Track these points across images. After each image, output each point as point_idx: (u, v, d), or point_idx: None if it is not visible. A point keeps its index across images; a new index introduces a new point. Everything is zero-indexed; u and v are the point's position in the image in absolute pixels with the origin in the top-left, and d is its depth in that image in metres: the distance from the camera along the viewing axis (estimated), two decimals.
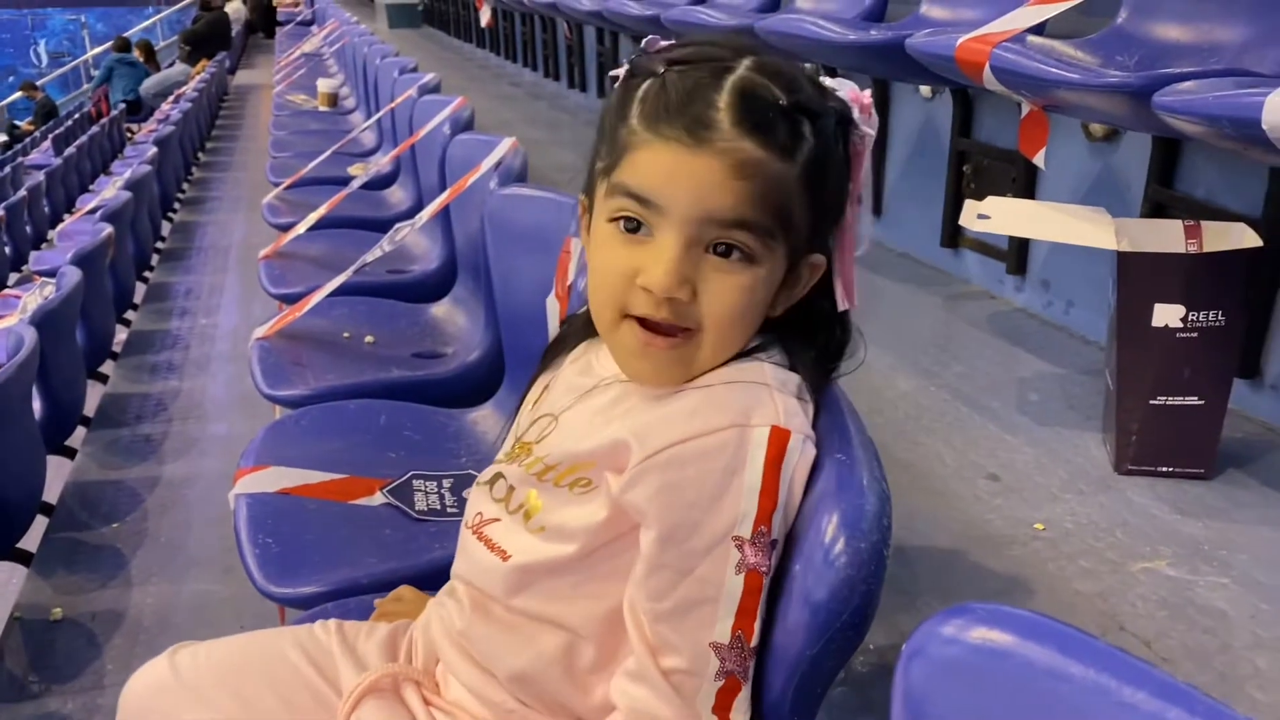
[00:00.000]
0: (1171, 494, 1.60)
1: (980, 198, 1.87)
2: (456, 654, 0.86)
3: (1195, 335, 1.55)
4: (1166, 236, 1.57)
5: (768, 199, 0.73)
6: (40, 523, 2.25)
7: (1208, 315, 1.55)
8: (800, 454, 0.75)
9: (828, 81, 0.79)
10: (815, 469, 0.79)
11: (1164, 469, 1.64)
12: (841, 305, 0.82)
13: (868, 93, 0.81)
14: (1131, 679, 0.52)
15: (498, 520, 0.86)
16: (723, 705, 0.74)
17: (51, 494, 2.35)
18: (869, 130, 0.79)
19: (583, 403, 0.84)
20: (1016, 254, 2.42)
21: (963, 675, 0.60)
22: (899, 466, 1.76)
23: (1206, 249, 1.55)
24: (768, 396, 0.76)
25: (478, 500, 0.89)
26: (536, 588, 0.82)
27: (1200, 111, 1.30)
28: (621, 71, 0.81)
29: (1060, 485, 1.66)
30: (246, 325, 3.32)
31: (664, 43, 0.81)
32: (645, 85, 0.77)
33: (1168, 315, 1.55)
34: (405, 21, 10.32)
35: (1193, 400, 1.58)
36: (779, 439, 0.74)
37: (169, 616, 1.90)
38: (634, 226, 0.76)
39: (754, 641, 0.74)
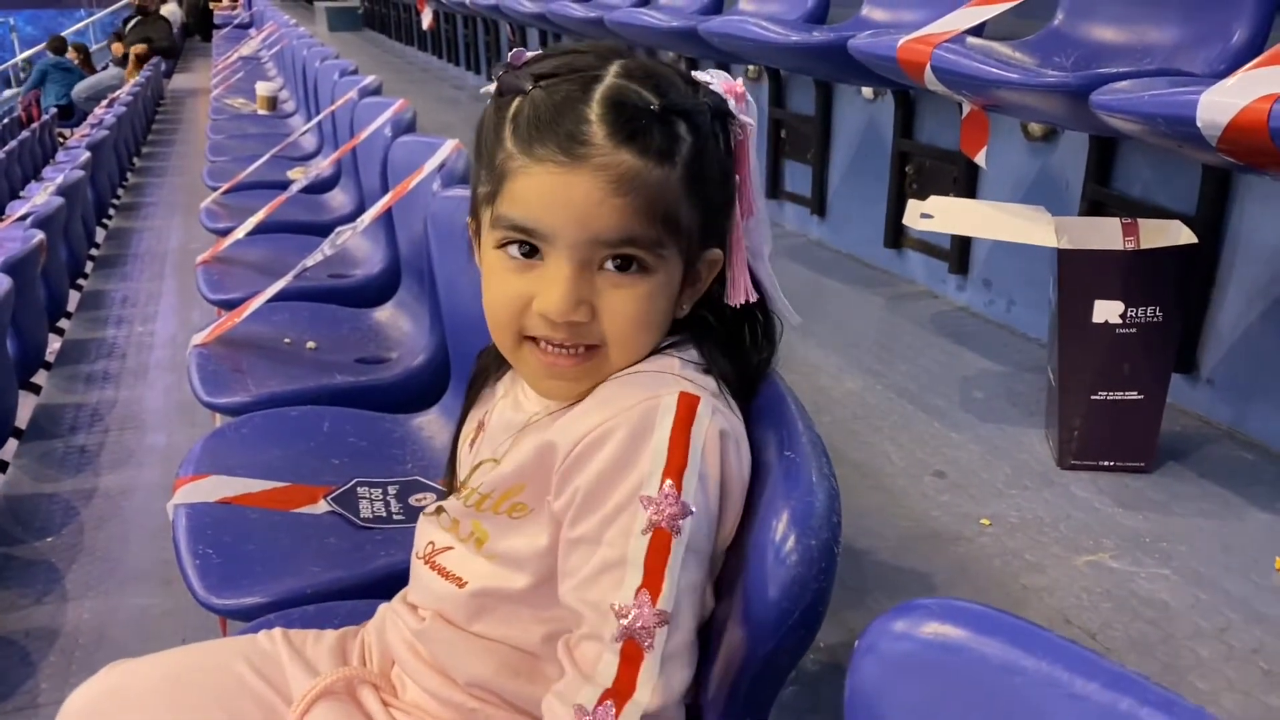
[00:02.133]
0: (1113, 488, 1.62)
1: (923, 198, 1.89)
2: (412, 658, 0.85)
3: (1134, 331, 1.58)
4: (1105, 234, 1.59)
5: (652, 209, 0.72)
6: None
7: (1146, 311, 1.58)
8: (710, 419, 0.73)
9: (700, 75, 0.79)
10: (764, 467, 0.79)
11: (1106, 463, 1.66)
12: (733, 300, 0.81)
13: (739, 82, 0.80)
14: (1083, 671, 0.52)
15: (450, 549, 0.85)
16: (624, 677, 0.69)
17: None
18: (748, 119, 0.78)
19: (519, 441, 0.82)
20: (958, 254, 2.44)
21: (915, 671, 0.59)
22: (847, 465, 1.77)
23: (1144, 246, 1.57)
24: (673, 378, 0.75)
25: (427, 530, 0.88)
26: (496, 613, 0.81)
27: (1137, 110, 1.33)
28: (491, 89, 0.79)
29: (1005, 481, 1.68)
30: (185, 333, 3.25)
31: (529, 55, 0.79)
32: (515, 104, 0.75)
33: (1108, 311, 1.58)
34: (345, 24, 10.22)
35: (1133, 395, 1.61)
36: (687, 402, 0.73)
37: (107, 632, 1.85)
38: (525, 251, 0.75)
39: (662, 605, 0.70)
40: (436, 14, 6.45)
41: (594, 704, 0.68)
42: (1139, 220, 1.59)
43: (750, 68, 3.26)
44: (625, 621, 0.69)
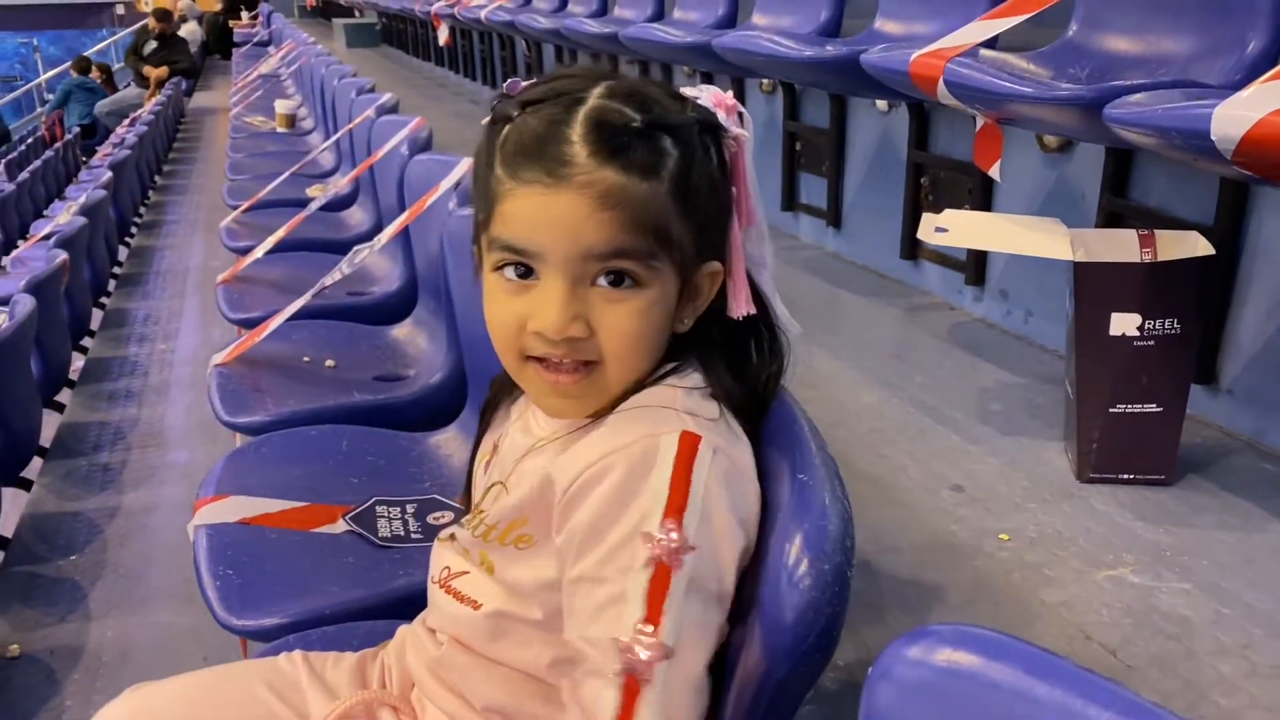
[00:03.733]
0: (1133, 501, 1.61)
1: (938, 209, 1.89)
2: (432, 681, 0.86)
3: (1152, 343, 1.57)
4: (1121, 246, 1.59)
5: (640, 222, 0.73)
6: None
7: (1164, 323, 1.57)
8: (712, 459, 0.73)
9: (688, 90, 0.80)
10: (777, 489, 0.79)
11: (1125, 476, 1.65)
12: (734, 312, 0.81)
13: (729, 94, 0.81)
14: (1098, 699, 0.52)
15: (466, 573, 0.85)
16: (626, 710, 0.68)
17: (7, 527, 2.31)
18: (740, 131, 0.79)
19: (521, 465, 0.83)
20: (975, 265, 2.44)
21: (929, 697, 0.59)
22: (864, 479, 1.77)
23: (1161, 258, 1.57)
24: (674, 415, 0.76)
25: (442, 555, 0.89)
26: (511, 636, 0.81)
27: (1151, 124, 1.32)
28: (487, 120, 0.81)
29: (1023, 495, 1.67)
30: (206, 351, 3.27)
31: (524, 84, 0.81)
32: (504, 131, 0.77)
33: (1124, 324, 1.57)
34: (363, 41, 10.29)
35: (1151, 408, 1.60)
36: (688, 442, 0.73)
37: (130, 650, 1.87)
38: (521, 272, 0.76)
39: (663, 638, 0.69)
40: (453, 30, 6.50)
41: None
42: (1156, 232, 1.59)
43: (764, 81, 3.27)
44: (627, 655, 0.69)
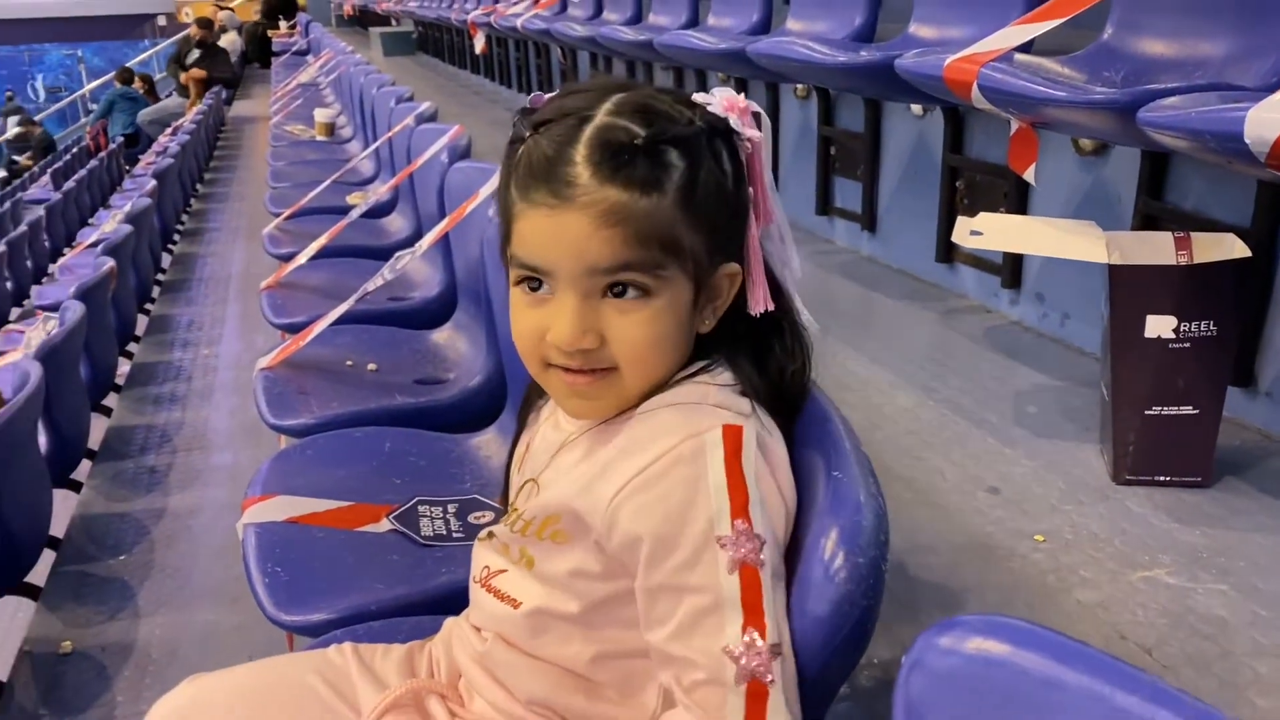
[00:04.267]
0: (1169, 503, 1.61)
1: (973, 213, 1.89)
2: (479, 672, 0.89)
3: (1188, 345, 1.57)
4: (1157, 248, 1.59)
5: (644, 236, 0.76)
6: (48, 556, 2.27)
7: (1200, 325, 1.57)
8: (756, 446, 0.77)
9: (700, 97, 0.82)
10: (812, 487, 0.81)
11: (1161, 478, 1.65)
12: (753, 309, 0.83)
13: (742, 97, 0.83)
14: (1124, 685, 0.54)
15: (505, 571, 0.88)
16: (754, 715, 0.73)
17: (58, 527, 2.37)
18: (753, 133, 0.82)
19: (555, 461, 0.87)
20: (1011, 267, 2.44)
21: (961, 685, 0.61)
22: (899, 482, 1.78)
23: (1197, 260, 1.57)
24: (711, 411, 0.79)
25: (482, 555, 0.93)
26: (550, 632, 0.84)
27: (1184, 127, 1.33)
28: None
29: (1059, 496, 1.68)
30: (248, 355, 3.34)
31: (546, 96, 0.84)
32: (518, 152, 0.81)
33: (1160, 326, 1.57)
34: (399, 49, 10.38)
35: (1188, 410, 1.60)
36: (732, 435, 0.76)
37: (178, 647, 1.91)
38: (536, 287, 0.80)
39: (770, 639, 0.73)
40: (489, 38, 6.56)
41: None
42: (1192, 234, 1.59)
43: (799, 86, 3.29)
44: (742, 663, 0.72)
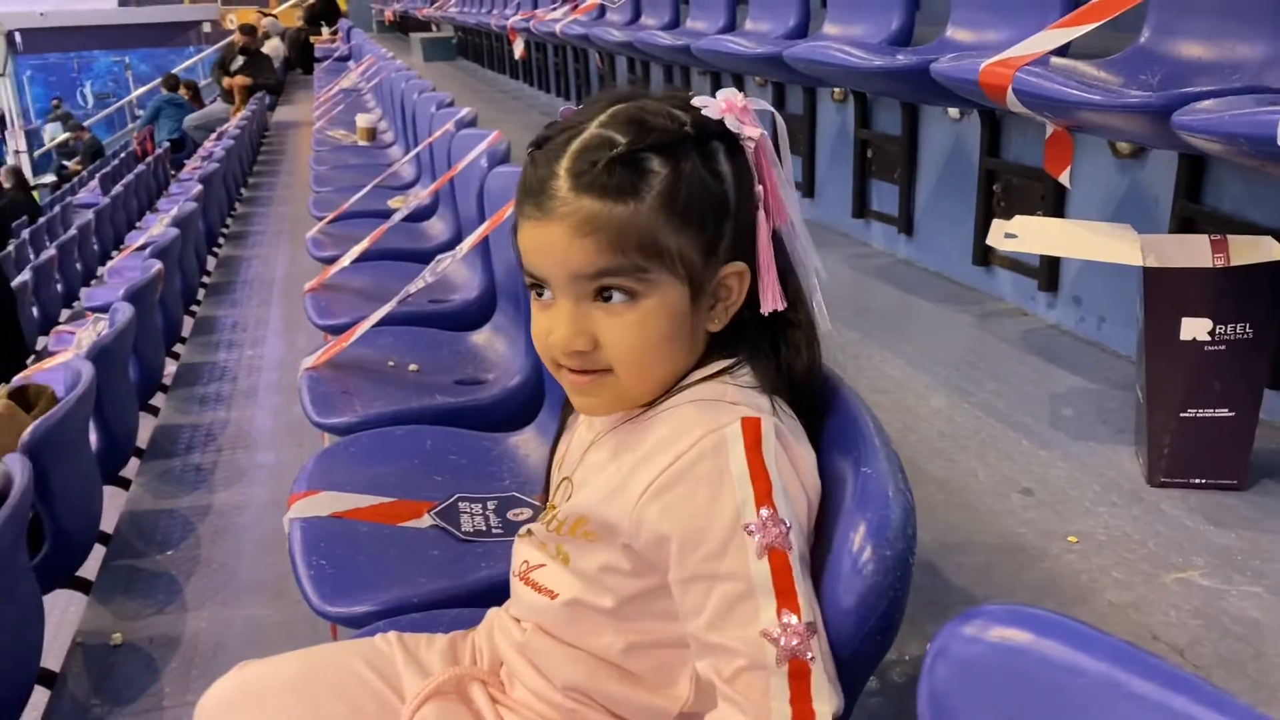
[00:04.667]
0: (1204, 505, 1.61)
1: (1010, 216, 1.90)
2: (519, 660, 0.92)
3: (1223, 348, 1.57)
4: (1193, 251, 1.59)
5: (621, 241, 0.80)
6: (98, 551, 2.33)
7: (1235, 328, 1.57)
8: (775, 435, 0.79)
9: (699, 100, 0.85)
10: (841, 483, 0.83)
11: (1196, 481, 1.65)
12: (765, 308, 0.86)
13: (741, 97, 0.86)
14: (1141, 671, 0.55)
15: (543, 565, 0.92)
16: (800, 695, 0.75)
17: (108, 523, 2.43)
18: (752, 132, 0.84)
19: (585, 459, 0.91)
20: (1048, 271, 2.44)
21: (984, 673, 0.63)
22: (933, 483, 1.79)
23: (1233, 263, 1.57)
24: (729, 407, 0.82)
25: (522, 549, 0.96)
26: (587, 623, 0.87)
27: (1218, 130, 1.33)
28: None
29: (1093, 498, 1.68)
30: (291, 356, 3.40)
31: (575, 109, 0.89)
32: (524, 170, 0.86)
33: (1195, 329, 1.57)
34: (440, 55, 10.48)
35: (1223, 413, 1.60)
36: (751, 426, 0.79)
37: (223, 640, 1.96)
38: (540, 293, 0.85)
39: (806, 618, 0.76)
40: (528, 43, 6.62)
41: None
42: (1228, 237, 1.59)
43: (836, 90, 3.30)
44: (781, 643, 0.75)
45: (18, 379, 2.80)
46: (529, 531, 0.96)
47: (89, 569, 2.25)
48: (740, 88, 3.90)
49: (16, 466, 1.81)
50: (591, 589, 0.86)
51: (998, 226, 1.84)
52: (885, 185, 3.15)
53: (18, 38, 17.63)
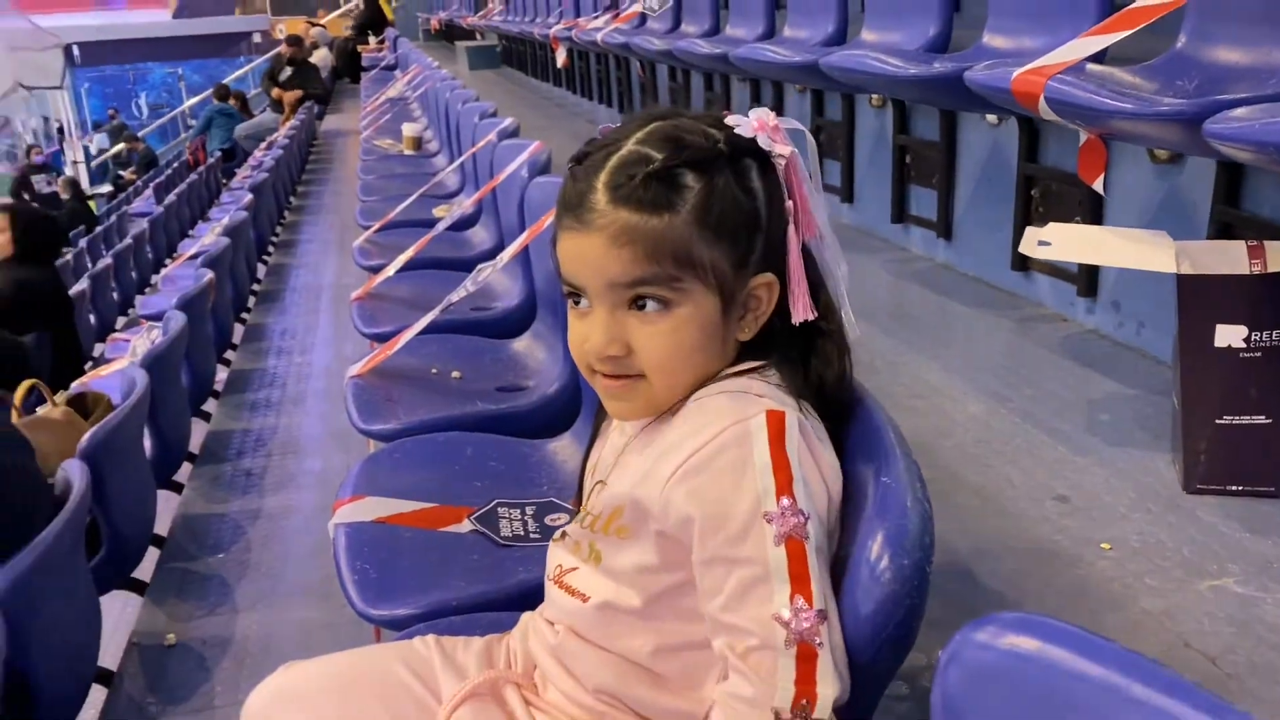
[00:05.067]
0: (1240, 512, 1.61)
1: (1048, 221, 1.90)
2: (552, 662, 0.95)
3: (1259, 355, 1.57)
4: (1230, 257, 1.59)
5: (657, 252, 0.84)
6: (152, 554, 2.40)
7: (1273, 335, 1.57)
8: (799, 429, 0.83)
9: (732, 119, 0.89)
10: (862, 492, 0.85)
11: (1233, 488, 1.65)
12: (796, 318, 0.89)
13: (773, 116, 0.90)
14: (1142, 678, 0.58)
15: (576, 569, 0.96)
16: (805, 677, 0.78)
17: (162, 526, 2.50)
18: (782, 150, 0.88)
19: (620, 461, 0.95)
20: (1087, 276, 2.43)
21: (994, 679, 0.65)
22: (968, 489, 1.80)
23: (1271, 269, 1.56)
24: (754, 399, 0.85)
25: (556, 554, 1.00)
26: (615, 625, 0.91)
27: (1249, 138, 1.33)
28: None
29: (1129, 505, 1.68)
30: (339, 364, 3.47)
31: (613, 128, 0.92)
32: (564, 184, 0.90)
33: (1230, 336, 1.57)
34: (484, 63, 10.58)
35: (1260, 420, 1.59)
36: (775, 419, 0.82)
37: (272, 641, 2.02)
38: (577, 301, 0.89)
39: (817, 605, 0.79)
40: (570, 52, 6.67)
41: (789, 706, 0.78)
42: (1265, 243, 1.58)
43: (874, 96, 3.30)
44: (792, 626, 0.78)
45: (75, 386, 2.89)
46: (564, 535, 0.99)
47: (144, 571, 2.32)
48: (779, 94, 3.89)
49: (75, 472, 1.88)
50: (621, 590, 0.90)
51: (1031, 234, 1.85)
52: (924, 190, 3.15)
53: (76, 51, 18.04)
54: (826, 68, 2.68)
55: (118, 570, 2.20)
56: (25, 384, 2.35)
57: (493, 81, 9.40)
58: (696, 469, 0.82)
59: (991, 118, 2.74)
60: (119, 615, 2.26)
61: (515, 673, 0.98)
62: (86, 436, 2.00)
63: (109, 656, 2.01)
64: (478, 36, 11.52)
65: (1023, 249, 1.88)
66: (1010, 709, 0.64)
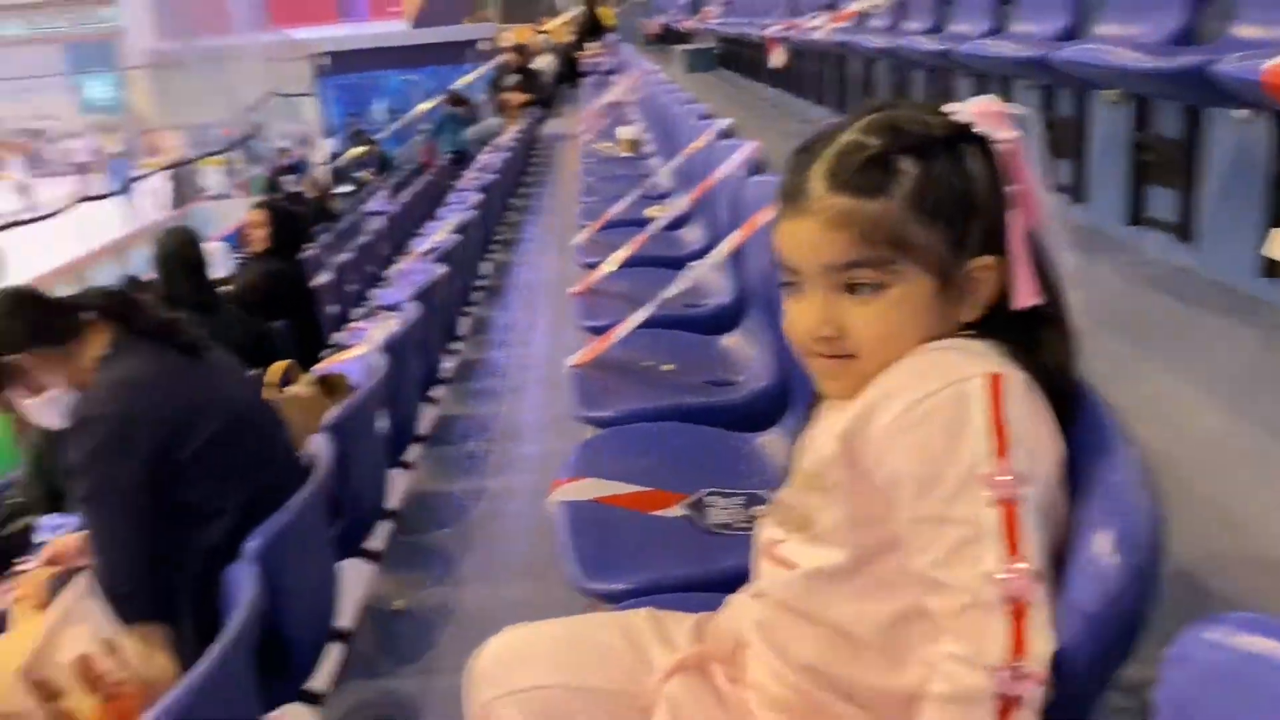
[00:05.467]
0: None
1: None
2: (759, 640, 0.98)
3: None
4: None
5: (873, 236, 0.86)
6: (384, 527, 2.58)
7: None
8: (1018, 389, 0.83)
9: (950, 106, 0.90)
10: (1089, 491, 0.84)
11: None
12: (1017, 303, 0.88)
13: (995, 103, 0.90)
14: None
15: (784, 541, 0.98)
16: (1017, 634, 0.78)
17: (393, 501, 2.68)
18: (1005, 135, 0.88)
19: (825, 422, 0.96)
20: None
21: (1223, 679, 0.64)
22: (1201, 500, 1.70)
23: None
24: (973, 359, 0.85)
25: (765, 528, 1.02)
26: (825, 592, 0.92)
27: None
28: None
29: None
30: (556, 355, 3.61)
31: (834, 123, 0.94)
32: (784, 174, 0.93)
33: None
34: (701, 66, 10.69)
35: None
36: (993, 381, 0.82)
37: (492, 613, 2.14)
38: (794, 285, 0.92)
39: (1029, 564, 0.78)
40: (790, 51, 6.66)
41: (1004, 663, 0.78)
42: None
43: (1109, 92, 3.15)
44: (1003, 586, 0.78)
45: (319, 369, 3.14)
46: (772, 506, 1.02)
47: (376, 541, 2.49)
48: (1006, 91, 3.77)
49: (323, 446, 2.05)
50: (830, 551, 0.91)
51: (1276, 236, 1.73)
52: (1163, 190, 2.98)
53: (327, 61, 19.41)
54: (1059, 63, 2.58)
55: (354, 539, 2.37)
56: (281, 364, 2.57)
57: (708, 83, 9.50)
58: (910, 427, 0.83)
59: (1240, 113, 2.57)
60: (354, 581, 2.44)
61: (723, 650, 1.02)
62: (333, 413, 2.17)
63: (344, 618, 2.18)
64: (694, 40, 11.66)
65: (1264, 252, 1.77)
66: (1241, 710, 0.62)
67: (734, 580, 1.29)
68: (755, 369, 2.03)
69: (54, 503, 3.03)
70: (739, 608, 1.04)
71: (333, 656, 2.07)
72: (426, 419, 3.27)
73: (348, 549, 2.36)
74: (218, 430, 1.73)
